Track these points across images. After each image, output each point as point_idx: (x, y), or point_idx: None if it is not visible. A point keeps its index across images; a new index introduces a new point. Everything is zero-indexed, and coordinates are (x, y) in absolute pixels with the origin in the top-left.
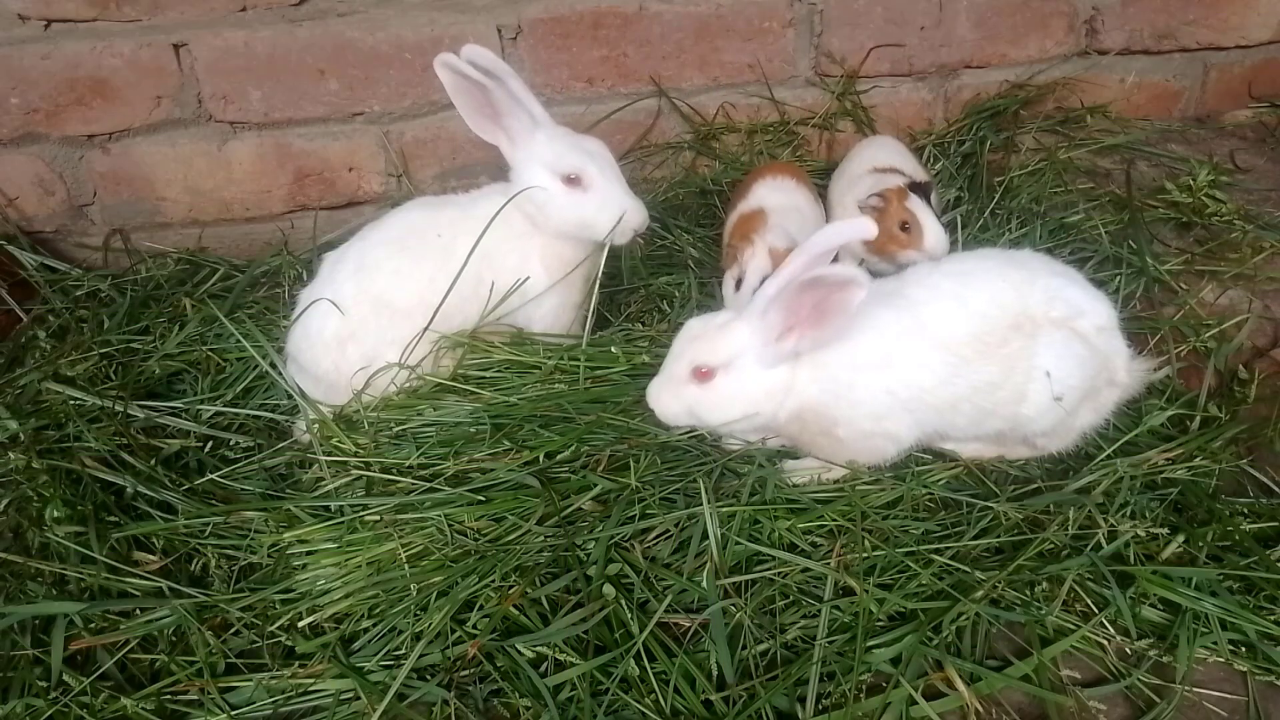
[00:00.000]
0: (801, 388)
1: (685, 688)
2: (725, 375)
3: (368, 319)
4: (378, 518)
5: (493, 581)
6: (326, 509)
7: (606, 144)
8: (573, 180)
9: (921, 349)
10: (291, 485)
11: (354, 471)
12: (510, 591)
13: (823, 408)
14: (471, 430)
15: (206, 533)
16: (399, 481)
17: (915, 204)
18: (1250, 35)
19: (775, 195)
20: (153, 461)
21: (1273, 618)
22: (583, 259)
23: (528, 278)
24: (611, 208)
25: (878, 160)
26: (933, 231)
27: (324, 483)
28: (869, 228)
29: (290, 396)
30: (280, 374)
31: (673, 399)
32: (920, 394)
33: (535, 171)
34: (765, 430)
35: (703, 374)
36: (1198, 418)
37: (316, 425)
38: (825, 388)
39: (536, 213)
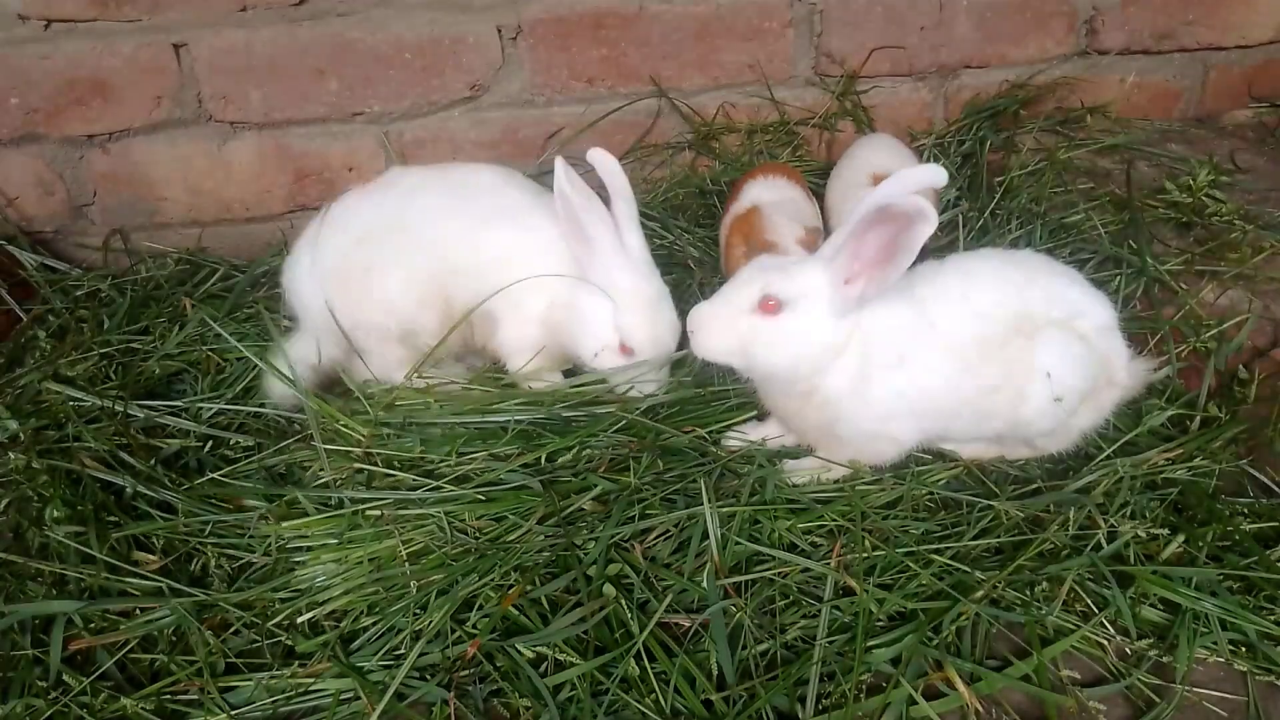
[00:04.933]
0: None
1: (685, 688)
2: (793, 312)
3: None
4: (379, 513)
5: (493, 581)
6: (327, 502)
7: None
8: (625, 350)
9: (931, 350)
10: (292, 485)
11: (356, 465)
12: (510, 591)
13: (836, 395)
14: (472, 430)
15: (206, 532)
16: (400, 477)
17: None
18: (1250, 35)
19: (768, 192)
20: (153, 461)
21: (1273, 618)
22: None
23: (526, 279)
24: (639, 380)
25: (874, 164)
26: None
27: (324, 473)
28: (940, 174)
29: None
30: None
31: (727, 328)
32: (928, 396)
33: (603, 313)
34: (792, 382)
35: (770, 305)
36: (1198, 418)
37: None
38: (851, 376)
39: (567, 320)
